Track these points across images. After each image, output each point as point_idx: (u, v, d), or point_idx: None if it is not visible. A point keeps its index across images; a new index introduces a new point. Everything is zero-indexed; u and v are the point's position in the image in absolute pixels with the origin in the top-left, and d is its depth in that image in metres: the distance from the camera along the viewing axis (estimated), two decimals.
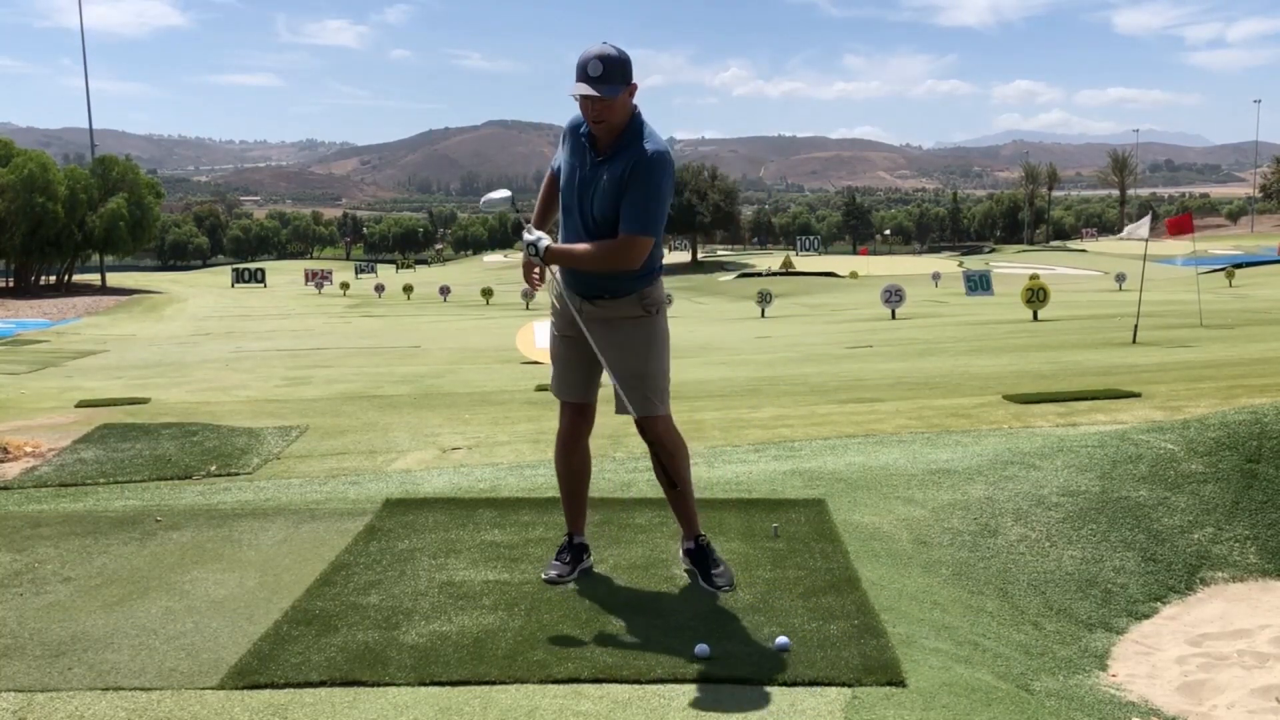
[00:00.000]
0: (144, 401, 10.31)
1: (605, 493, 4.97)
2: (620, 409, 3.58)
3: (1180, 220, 16.75)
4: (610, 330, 3.51)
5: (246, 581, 3.82)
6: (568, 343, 3.65)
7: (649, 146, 3.36)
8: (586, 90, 3.25)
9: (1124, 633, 3.90)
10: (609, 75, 3.25)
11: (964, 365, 11.85)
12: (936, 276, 50.72)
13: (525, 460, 6.50)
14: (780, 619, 3.32)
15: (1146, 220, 15.94)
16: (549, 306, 3.76)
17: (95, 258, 65.90)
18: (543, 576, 3.72)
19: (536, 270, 3.59)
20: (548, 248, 3.41)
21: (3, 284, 59.55)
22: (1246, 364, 10.33)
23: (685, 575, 3.74)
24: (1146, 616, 4.05)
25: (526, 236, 3.43)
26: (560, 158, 3.59)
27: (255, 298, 56.52)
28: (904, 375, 10.85)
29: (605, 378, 3.63)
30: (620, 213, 3.36)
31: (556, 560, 3.78)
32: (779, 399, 9.00)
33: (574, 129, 3.50)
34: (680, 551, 3.84)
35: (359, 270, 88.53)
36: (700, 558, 3.68)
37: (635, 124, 3.39)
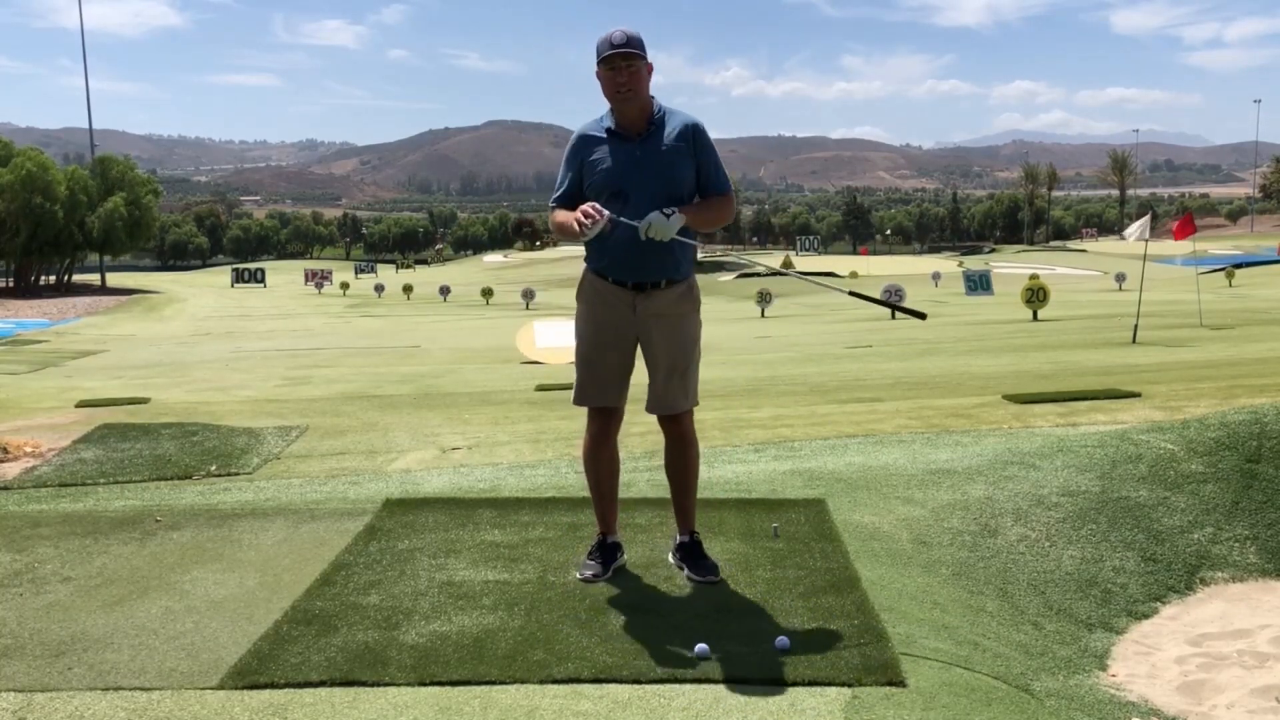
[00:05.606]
0: (144, 401, 10.31)
1: None
2: (657, 406, 3.64)
3: (1184, 223, 16.81)
4: (660, 324, 3.57)
5: (246, 581, 3.82)
6: (605, 348, 3.63)
7: (690, 117, 3.58)
8: (618, 51, 3.42)
9: (1124, 633, 3.90)
10: (633, 44, 3.46)
11: (964, 365, 11.85)
12: (936, 276, 50.71)
13: (525, 460, 6.50)
14: (780, 619, 3.32)
15: (1146, 220, 15.95)
16: (579, 310, 3.67)
17: (95, 258, 65.89)
18: (578, 576, 3.71)
19: (593, 215, 3.35)
20: (676, 211, 3.42)
21: (3, 284, 59.57)
22: (1246, 364, 10.34)
23: (685, 575, 3.74)
24: (1146, 616, 4.05)
25: (656, 218, 3.35)
26: (574, 169, 3.60)
27: (255, 298, 56.52)
28: (904, 375, 10.85)
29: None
30: (705, 179, 3.57)
31: (590, 560, 3.77)
32: (779, 399, 9.00)
33: (589, 135, 3.60)
34: (673, 546, 3.87)
35: (359, 270, 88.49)
36: (693, 550, 3.76)
37: (659, 105, 3.59)
